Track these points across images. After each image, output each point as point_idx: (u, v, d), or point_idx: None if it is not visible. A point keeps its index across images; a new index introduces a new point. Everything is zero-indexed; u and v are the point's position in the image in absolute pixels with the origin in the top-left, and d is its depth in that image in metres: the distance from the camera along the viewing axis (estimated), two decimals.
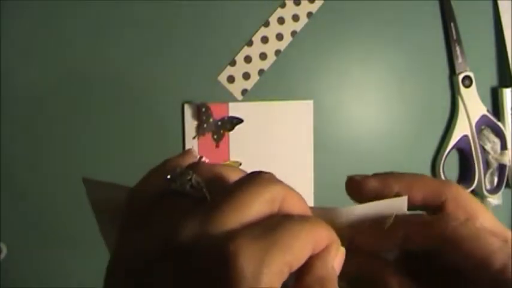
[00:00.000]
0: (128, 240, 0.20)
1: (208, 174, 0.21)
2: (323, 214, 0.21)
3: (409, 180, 0.23)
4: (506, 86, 0.58)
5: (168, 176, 0.20)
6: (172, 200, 0.20)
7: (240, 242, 0.17)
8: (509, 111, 0.58)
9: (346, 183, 0.25)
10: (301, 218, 0.19)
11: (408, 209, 0.22)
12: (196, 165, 0.21)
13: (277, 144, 0.55)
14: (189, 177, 0.20)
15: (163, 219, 0.19)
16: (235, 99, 0.54)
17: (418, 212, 0.23)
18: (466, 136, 0.58)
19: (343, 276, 0.20)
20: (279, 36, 0.54)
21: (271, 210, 0.19)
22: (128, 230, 0.20)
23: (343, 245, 0.20)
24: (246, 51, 0.54)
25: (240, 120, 0.53)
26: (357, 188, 0.24)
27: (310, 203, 0.56)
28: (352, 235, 0.22)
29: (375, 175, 0.25)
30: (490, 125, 0.58)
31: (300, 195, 0.20)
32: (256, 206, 0.18)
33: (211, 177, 0.21)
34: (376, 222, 0.22)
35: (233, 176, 0.21)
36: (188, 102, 0.53)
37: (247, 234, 0.17)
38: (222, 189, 0.19)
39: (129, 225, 0.20)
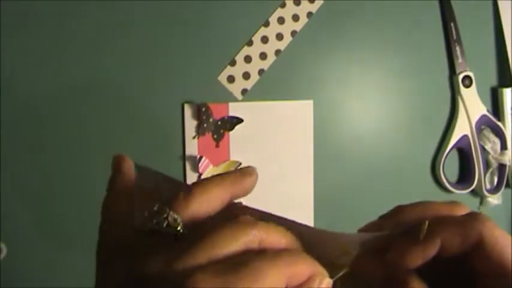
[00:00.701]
0: (108, 276, 0.21)
1: (185, 209, 0.21)
2: (330, 238, 0.20)
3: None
4: (506, 86, 0.58)
5: (146, 214, 0.21)
6: (148, 238, 0.20)
7: (198, 277, 0.17)
8: (509, 111, 0.58)
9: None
10: (274, 253, 0.18)
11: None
12: (174, 200, 0.21)
13: (277, 144, 0.55)
14: (165, 215, 0.20)
15: (138, 257, 0.20)
16: (235, 99, 0.54)
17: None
18: (466, 136, 0.58)
19: (366, 280, 0.20)
20: (279, 36, 0.54)
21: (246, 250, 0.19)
22: (108, 266, 0.21)
23: (340, 270, 0.20)
24: (246, 51, 0.54)
25: (240, 120, 0.53)
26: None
27: (310, 203, 0.56)
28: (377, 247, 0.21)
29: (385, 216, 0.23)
30: (490, 125, 0.58)
31: (282, 231, 0.20)
32: (229, 247, 0.18)
33: (188, 213, 0.21)
34: (409, 233, 0.20)
35: (210, 206, 0.21)
36: (188, 102, 0.53)
37: (209, 270, 0.17)
38: (198, 227, 0.20)
39: (109, 262, 0.22)
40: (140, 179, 0.25)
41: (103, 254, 0.23)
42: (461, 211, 0.21)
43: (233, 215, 0.20)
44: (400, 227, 0.21)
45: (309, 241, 0.21)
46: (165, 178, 0.24)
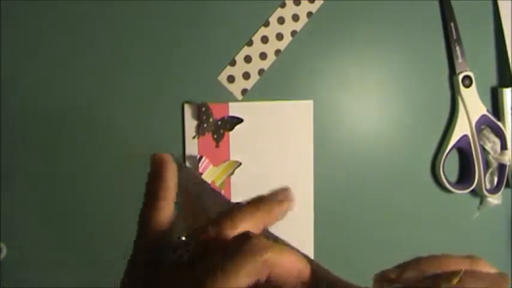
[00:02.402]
0: None
1: (211, 240, 0.21)
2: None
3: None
4: (506, 86, 0.58)
5: (172, 242, 0.21)
6: (168, 269, 0.21)
7: None
8: (509, 111, 0.58)
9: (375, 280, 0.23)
10: None
11: None
12: (202, 234, 0.21)
13: (277, 144, 0.55)
14: (189, 249, 0.20)
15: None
16: (235, 99, 0.54)
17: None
18: (466, 136, 0.58)
19: None
20: (279, 36, 0.54)
21: (259, 276, 0.19)
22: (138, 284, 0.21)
23: None
24: (246, 51, 0.54)
25: (240, 120, 0.53)
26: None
27: (310, 204, 0.56)
28: None
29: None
30: (490, 124, 0.58)
31: (294, 254, 0.20)
32: (242, 277, 0.18)
33: (213, 243, 0.21)
34: (440, 277, 0.20)
35: (235, 227, 0.21)
36: (188, 102, 0.53)
37: None
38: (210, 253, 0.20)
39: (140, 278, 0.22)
40: (182, 181, 0.23)
41: (134, 271, 0.22)
42: (483, 267, 0.21)
43: (246, 235, 0.20)
44: (425, 276, 0.21)
45: (315, 275, 0.20)
46: (210, 191, 0.23)
